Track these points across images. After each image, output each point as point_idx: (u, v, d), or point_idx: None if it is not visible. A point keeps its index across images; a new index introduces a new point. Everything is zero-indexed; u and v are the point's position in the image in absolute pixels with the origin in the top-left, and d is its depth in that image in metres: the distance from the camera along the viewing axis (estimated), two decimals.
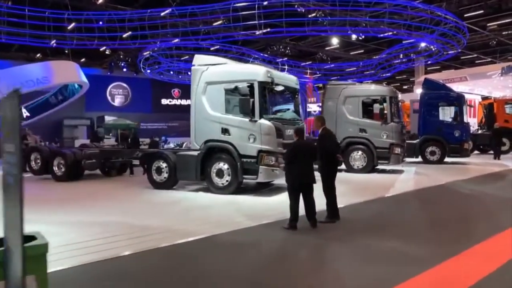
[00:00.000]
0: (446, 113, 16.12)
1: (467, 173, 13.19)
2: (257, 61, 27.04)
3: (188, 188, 10.08)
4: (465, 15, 26.23)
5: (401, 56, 27.56)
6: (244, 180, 8.88)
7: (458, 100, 15.92)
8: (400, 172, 13.50)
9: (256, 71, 8.78)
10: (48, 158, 12.02)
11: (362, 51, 35.95)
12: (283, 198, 7.88)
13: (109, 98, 32.90)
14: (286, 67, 26.42)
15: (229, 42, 24.03)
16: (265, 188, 9.93)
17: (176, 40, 17.80)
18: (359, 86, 13.92)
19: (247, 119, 8.64)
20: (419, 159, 16.29)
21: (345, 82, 14.67)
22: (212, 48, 24.06)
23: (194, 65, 9.51)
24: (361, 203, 8.15)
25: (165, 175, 9.89)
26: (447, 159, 16.24)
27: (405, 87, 48.95)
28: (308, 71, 29.56)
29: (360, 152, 13.12)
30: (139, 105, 33.06)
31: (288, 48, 26.11)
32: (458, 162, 16.29)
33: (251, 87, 8.60)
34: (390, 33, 16.86)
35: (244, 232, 6.08)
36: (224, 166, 8.97)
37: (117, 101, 33.21)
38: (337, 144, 6.94)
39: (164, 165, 9.89)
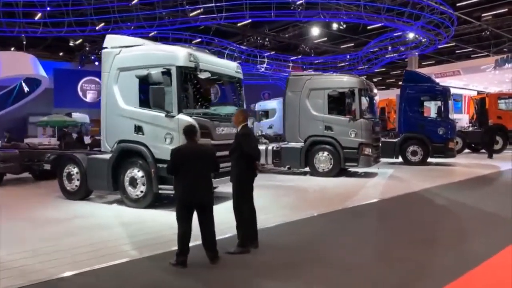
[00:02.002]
0: (429, 109, 14.38)
1: (450, 177, 11.47)
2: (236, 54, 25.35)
3: (106, 199, 8.31)
4: (458, 5, 24.57)
5: (389, 48, 25.84)
6: (163, 192, 7.11)
7: (442, 94, 14.13)
8: (372, 175, 11.76)
9: (174, 54, 6.97)
10: None
11: (352, 44, 34.26)
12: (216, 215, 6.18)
13: (80, 93, 31.05)
14: (265, 60, 24.73)
15: (214, 34, 22.32)
16: None
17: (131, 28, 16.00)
18: (325, 77, 12.14)
19: (162, 114, 6.88)
20: (400, 159, 14.57)
21: (309, 73, 12.89)
22: (194, 41, 22.44)
23: (105, 48, 7.72)
24: (303, 220, 6.42)
25: (77, 182, 8.12)
26: (431, 160, 14.53)
27: (400, 82, 47.31)
28: (291, 64, 27.73)
29: (325, 153, 11.37)
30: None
31: (267, 39, 24.30)
32: (444, 163, 14.57)
33: (167, 73, 6.83)
34: (365, 18, 15.04)
35: (112, 270, 4.34)
36: (138, 173, 7.21)
37: (89, 96, 31.35)
38: (257, 147, 5.19)
39: (75, 170, 8.12)
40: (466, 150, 20.47)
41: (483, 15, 26.92)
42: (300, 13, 14.77)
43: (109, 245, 5.18)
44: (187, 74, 6.95)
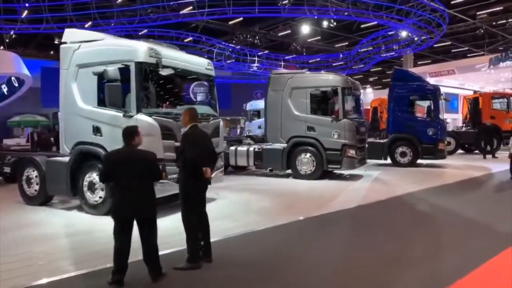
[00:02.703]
0: (419, 108, 13.90)
1: (438, 179, 10.98)
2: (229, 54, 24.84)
3: (68, 204, 7.79)
4: (452, 2, 24.09)
5: (383, 47, 25.36)
6: None
7: (432, 93, 13.65)
8: (357, 178, 11.27)
9: (133, 49, 6.46)
10: None
11: (346, 43, 33.77)
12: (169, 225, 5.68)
13: None
14: (256, 59, 24.23)
15: (206, 33, 21.67)
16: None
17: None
18: (307, 75, 11.66)
19: (120, 114, 6.38)
20: (389, 161, 14.08)
21: (292, 71, 12.38)
22: (187, 40, 21.88)
23: (65, 42, 7.21)
24: (270, 230, 5.93)
25: (36, 187, 7.61)
26: (422, 161, 14.06)
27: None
28: (282, 63, 27.21)
29: (308, 155, 10.87)
30: None
31: (257, 38, 23.76)
32: (434, 165, 14.09)
33: (126, 70, 6.32)
34: (351, 14, 14.51)
35: None
36: (97, 177, 6.69)
37: None
38: (207, 151, 4.59)
39: (34, 174, 7.61)
40: (460, 151, 20.02)
41: (478, 13, 26.50)
42: (285, 9, 14.29)
43: (48, 259, 4.69)
44: (148, 71, 6.45)
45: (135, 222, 3.93)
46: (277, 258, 4.76)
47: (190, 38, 23.16)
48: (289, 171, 11.33)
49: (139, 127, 4.28)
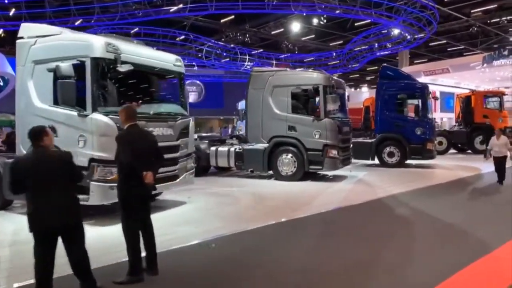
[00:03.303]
0: (407, 107, 13.51)
1: (425, 180, 10.60)
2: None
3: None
4: (446, 0, 23.72)
5: (376, 45, 24.97)
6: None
7: (420, 92, 13.27)
8: (341, 179, 10.89)
9: (88, 44, 6.06)
10: None
11: (341, 41, 33.39)
12: (115, 234, 5.31)
13: None
14: (247, 57, 23.85)
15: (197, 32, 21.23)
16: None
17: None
18: (289, 73, 11.24)
19: (75, 113, 5.98)
20: (376, 161, 13.71)
21: (273, 69, 11.99)
22: (179, 38, 21.48)
23: (21, 37, 6.81)
24: (233, 236, 5.53)
25: None
26: (412, 162, 13.69)
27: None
28: (274, 62, 26.80)
29: (289, 155, 10.48)
30: None
31: (248, 36, 23.34)
32: (424, 165, 13.73)
33: (81, 66, 5.93)
34: (339, 10, 14.11)
35: None
36: None
37: None
38: (146, 153, 4.05)
39: None
40: (452, 150, 19.67)
41: (472, 11, 26.15)
42: (269, 5, 13.88)
43: None
44: (105, 67, 6.05)
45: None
46: (232, 269, 4.38)
47: (182, 37, 22.82)
48: (271, 172, 10.95)
49: (51, 126, 3.83)
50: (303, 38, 32.01)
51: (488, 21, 26.39)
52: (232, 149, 11.30)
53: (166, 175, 6.84)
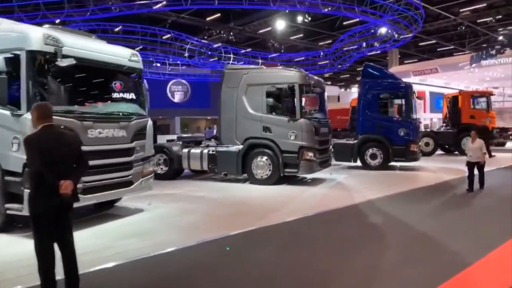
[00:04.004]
0: (390, 107, 13.03)
1: (406, 184, 10.10)
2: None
3: None
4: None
5: (363, 44, 24.53)
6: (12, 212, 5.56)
7: (404, 91, 12.79)
8: (318, 183, 10.36)
9: (24, 36, 5.42)
10: None
11: (330, 41, 32.95)
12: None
13: None
14: (231, 56, 23.28)
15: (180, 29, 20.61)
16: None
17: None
18: (263, 71, 10.68)
19: (8, 112, 5.36)
20: (359, 163, 13.21)
21: (247, 66, 11.43)
22: (166, 37, 20.81)
23: None
24: (182, 250, 4.95)
25: None
26: (396, 164, 13.23)
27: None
28: (260, 61, 26.23)
29: (264, 158, 9.92)
30: None
31: (232, 34, 22.73)
32: (408, 167, 13.27)
33: (15, 60, 5.31)
34: (328, 8, 13.60)
35: None
36: None
37: None
38: (58, 159, 3.41)
39: None
40: (439, 152, 19.28)
41: (461, 10, 25.87)
42: (246, 1, 13.33)
43: None
44: (43, 61, 5.43)
45: None
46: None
47: (168, 36, 22.16)
48: (246, 175, 10.39)
49: None
50: (291, 37, 31.55)
51: (477, 21, 26.17)
52: (205, 151, 10.71)
53: (118, 181, 6.26)
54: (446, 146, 19.51)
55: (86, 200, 5.74)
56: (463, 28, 23.54)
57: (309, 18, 18.60)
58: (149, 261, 4.56)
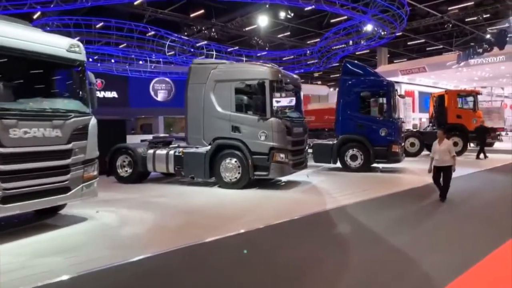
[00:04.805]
0: (371, 106, 12.38)
1: (385, 188, 9.44)
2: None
3: None
4: None
5: (350, 42, 23.95)
6: None
7: (385, 89, 12.16)
8: (291, 186, 9.67)
9: None
10: None
11: (318, 39, 32.39)
12: None
13: None
14: (214, 52, 22.56)
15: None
16: None
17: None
18: (233, 66, 9.97)
19: None
20: (339, 165, 12.56)
21: (216, 61, 10.70)
22: (149, 34, 20.02)
23: None
24: (108, 271, 4.23)
25: None
26: (379, 165, 12.61)
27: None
28: (244, 59, 25.53)
29: (233, 160, 9.21)
30: None
31: (214, 30, 21.97)
32: (390, 169, 12.64)
33: None
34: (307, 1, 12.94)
35: None
36: None
37: None
38: None
39: None
40: (425, 152, 18.74)
41: (449, 8, 25.49)
42: None
43: None
44: None
45: None
46: None
47: (153, 33, 21.38)
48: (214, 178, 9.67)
49: None
50: (279, 36, 30.93)
51: (466, 20, 25.81)
52: (172, 152, 9.97)
53: (50, 187, 5.51)
54: None
55: (6, 211, 4.99)
56: (450, 26, 23.02)
57: (292, 14, 17.95)
58: (61, 286, 3.83)
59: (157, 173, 11.10)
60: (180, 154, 9.80)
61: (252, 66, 9.72)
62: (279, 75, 9.17)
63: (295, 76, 10.54)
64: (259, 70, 9.12)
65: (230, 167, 9.22)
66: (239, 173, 9.15)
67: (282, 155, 8.88)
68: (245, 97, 9.39)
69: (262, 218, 6.46)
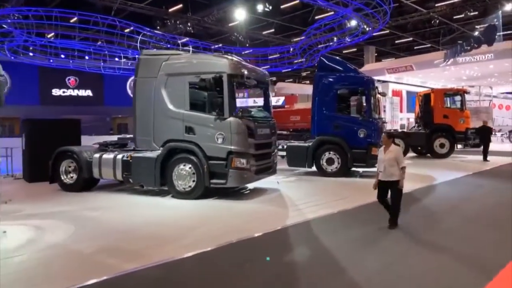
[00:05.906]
0: (349, 105, 11.30)
1: (360, 197, 8.25)
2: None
3: None
4: None
5: (335, 39, 22.90)
6: None
7: (364, 86, 11.05)
8: (256, 195, 8.49)
9: None
10: None
11: (303, 37, 31.38)
12: None
13: None
14: (190, 49, 21.32)
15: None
16: None
17: None
18: (187, 57, 8.78)
19: None
20: (314, 168, 11.44)
21: (168, 52, 9.48)
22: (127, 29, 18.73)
23: None
24: None
25: None
26: (359, 169, 11.53)
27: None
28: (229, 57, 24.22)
29: (187, 166, 8.01)
30: (22, 96, 26.82)
31: (190, 25, 20.71)
32: (370, 174, 11.52)
33: None
34: None
35: None
36: None
37: None
38: None
39: None
40: (410, 154, 17.77)
41: (436, 5, 24.70)
42: None
43: None
44: None
45: None
46: None
47: (128, 30, 20.06)
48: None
49: None
50: (263, 32, 29.87)
51: (454, 17, 25.06)
52: (120, 156, 8.73)
53: None
54: (419, 148, 18.03)
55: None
56: (437, 22, 22.12)
57: (270, 7, 16.82)
58: None
59: (109, 180, 9.85)
60: (128, 158, 8.57)
61: (209, 58, 8.54)
62: (240, 68, 7.99)
63: (262, 71, 9.39)
64: (216, 63, 7.92)
65: (183, 174, 8.02)
66: (193, 181, 7.95)
67: (242, 161, 7.69)
68: (201, 94, 8.20)
69: (206, 239, 5.29)
